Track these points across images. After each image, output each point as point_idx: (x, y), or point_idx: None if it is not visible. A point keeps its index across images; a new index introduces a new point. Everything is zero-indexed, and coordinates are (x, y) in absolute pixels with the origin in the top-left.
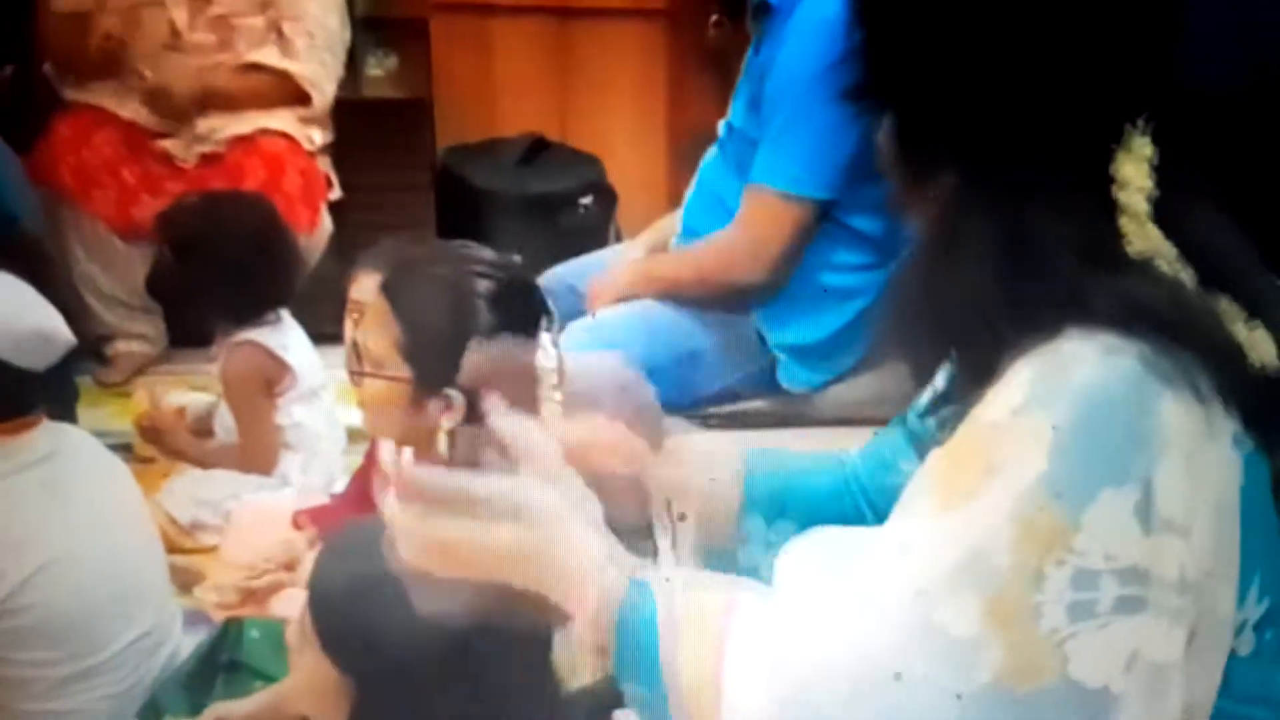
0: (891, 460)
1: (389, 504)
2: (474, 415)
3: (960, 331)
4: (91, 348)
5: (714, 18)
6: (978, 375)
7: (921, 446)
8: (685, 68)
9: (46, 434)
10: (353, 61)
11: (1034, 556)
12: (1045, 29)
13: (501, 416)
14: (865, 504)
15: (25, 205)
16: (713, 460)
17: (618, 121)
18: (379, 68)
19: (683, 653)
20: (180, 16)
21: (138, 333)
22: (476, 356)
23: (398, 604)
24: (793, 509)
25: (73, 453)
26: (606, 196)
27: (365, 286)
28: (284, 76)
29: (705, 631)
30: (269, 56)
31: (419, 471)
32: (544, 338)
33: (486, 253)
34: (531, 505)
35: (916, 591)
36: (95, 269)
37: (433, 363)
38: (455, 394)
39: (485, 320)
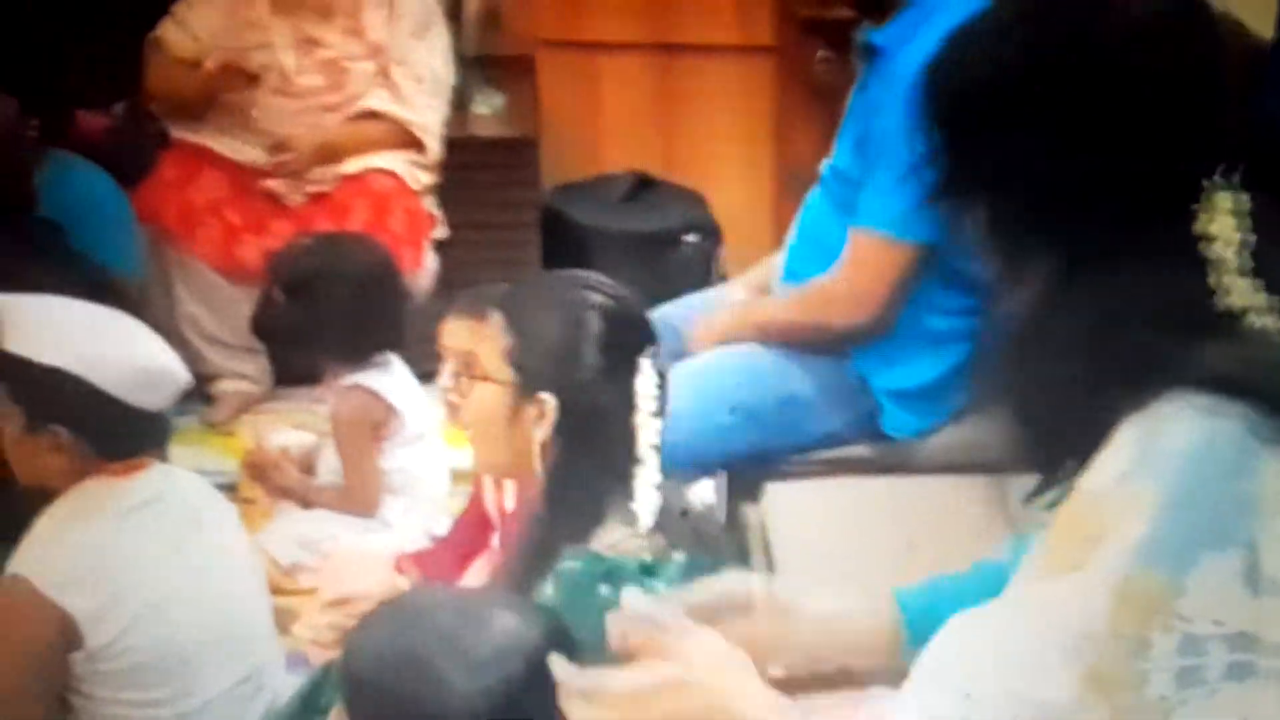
0: None
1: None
2: (570, 430)
3: (1062, 402)
4: (195, 387)
5: (821, 54)
6: (1082, 444)
7: None
8: (792, 105)
9: (155, 476)
10: (460, 100)
11: (1137, 623)
12: (1116, 110)
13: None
14: None
15: (130, 249)
16: (857, 626)
17: (723, 158)
18: (486, 106)
19: None
20: (290, 60)
21: (241, 372)
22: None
23: (429, 681)
24: None
25: (181, 496)
26: (711, 234)
27: (453, 331)
28: (398, 124)
29: None
30: (382, 102)
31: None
32: (644, 362)
33: (602, 277)
34: (699, 667)
35: (1018, 659)
36: (199, 309)
37: (535, 365)
38: (549, 399)
39: (594, 330)
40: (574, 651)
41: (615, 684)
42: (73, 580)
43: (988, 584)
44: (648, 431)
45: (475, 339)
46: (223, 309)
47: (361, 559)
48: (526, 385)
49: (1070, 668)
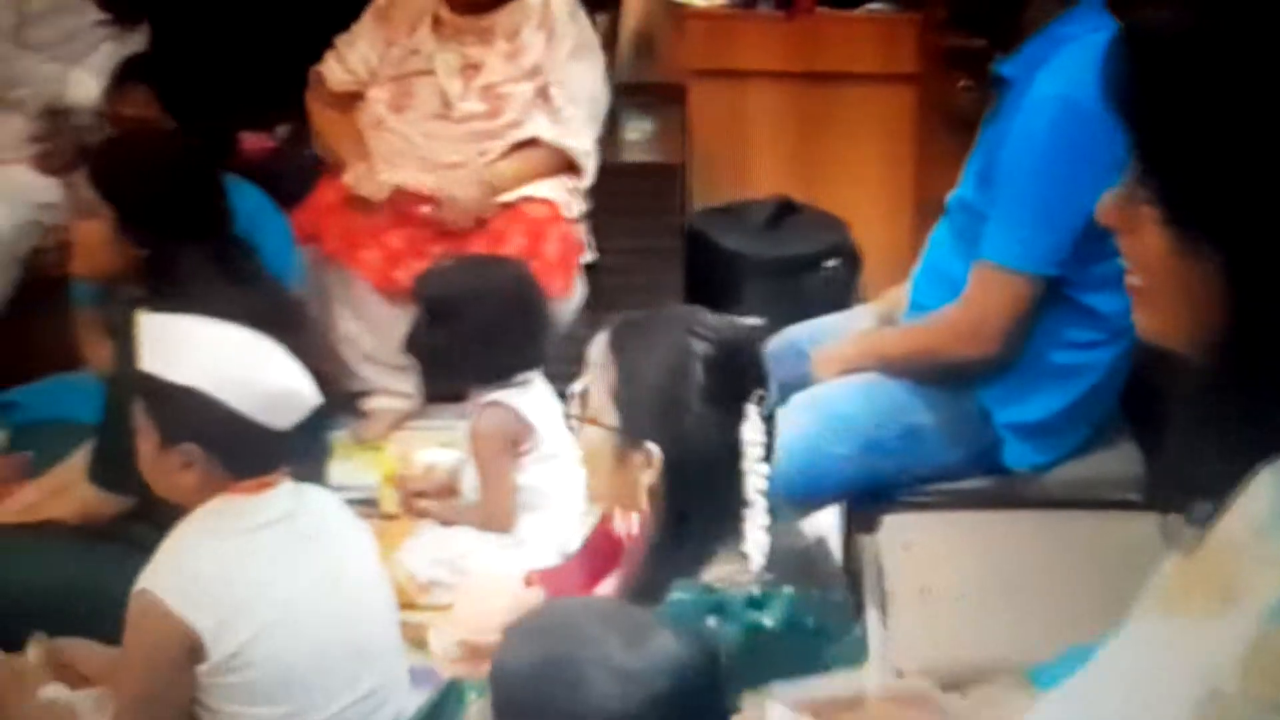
0: None
1: None
2: (676, 476)
3: (1200, 441)
4: (350, 403)
5: (962, 84)
6: (1217, 485)
7: None
8: (933, 134)
9: (287, 494)
10: (612, 126)
11: (1269, 686)
12: None
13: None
14: None
15: (290, 268)
16: None
17: (865, 185)
18: (636, 131)
19: None
20: (453, 86)
21: (395, 390)
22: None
23: (578, 689)
24: None
25: (311, 514)
26: (851, 260)
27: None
28: (557, 151)
29: None
30: (541, 129)
31: None
32: (752, 409)
33: (715, 319)
34: None
35: (1142, 706)
36: (356, 327)
37: (639, 414)
38: (654, 449)
39: (698, 382)
40: (721, 677)
41: None
42: (197, 596)
43: None
44: (755, 477)
45: (590, 374)
46: (380, 328)
47: (496, 576)
48: (631, 433)
49: None
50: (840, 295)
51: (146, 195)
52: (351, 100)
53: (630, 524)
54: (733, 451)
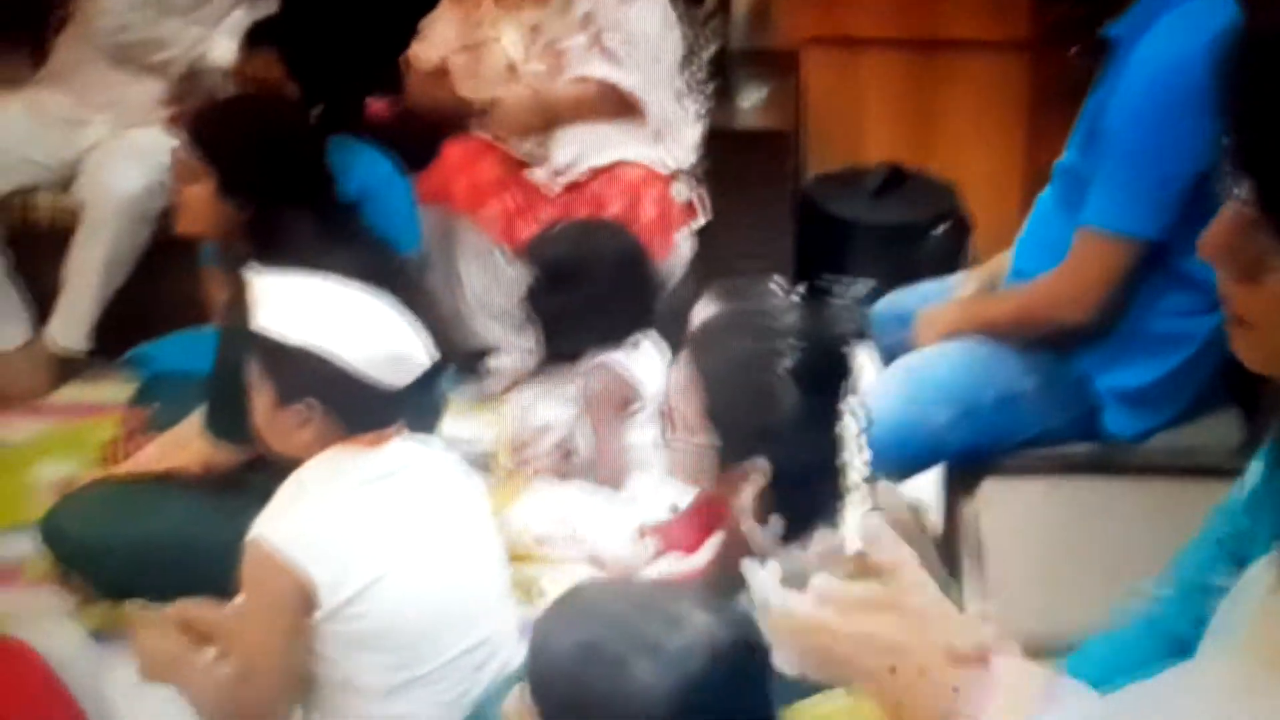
0: (1203, 581)
1: (774, 608)
2: (778, 485)
3: None
4: (474, 361)
5: (1074, 50)
6: None
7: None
8: (1047, 99)
9: (401, 448)
10: (726, 93)
11: None
12: None
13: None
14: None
15: (413, 228)
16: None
17: (976, 152)
18: (751, 99)
19: None
20: (516, 49)
21: (518, 347)
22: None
23: (619, 673)
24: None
25: (425, 468)
26: (961, 227)
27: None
28: (609, 86)
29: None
30: (593, 69)
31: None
32: (846, 404)
33: (793, 318)
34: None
35: None
36: (482, 285)
37: (737, 435)
38: (759, 463)
39: (785, 395)
40: (764, 659)
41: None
42: (310, 545)
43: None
44: (855, 468)
45: (676, 384)
46: (503, 286)
47: (608, 531)
48: (729, 451)
49: None
50: (949, 262)
51: (245, 159)
52: (442, 77)
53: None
54: (832, 448)
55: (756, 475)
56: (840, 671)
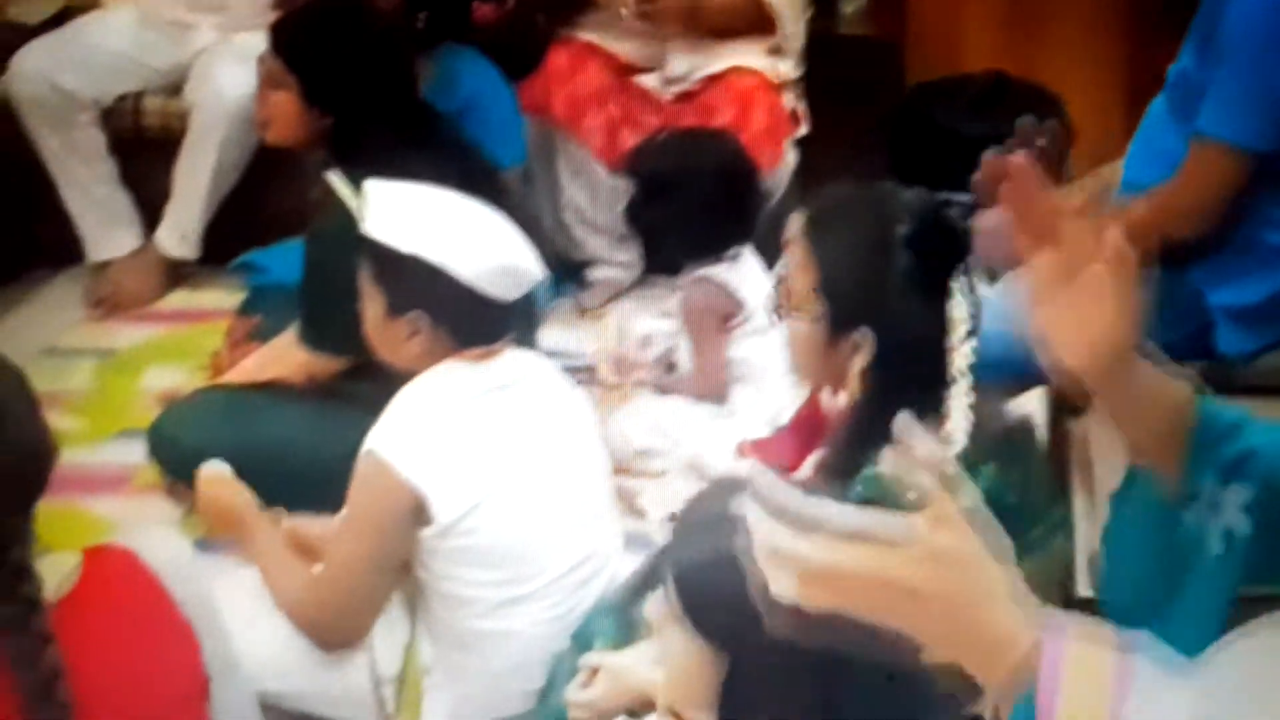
0: None
1: (754, 518)
2: (882, 359)
3: None
4: (573, 272)
5: None
6: None
7: None
8: (1152, 8)
9: (510, 362)
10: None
11: None
12: None
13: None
14: None
15: (516, 139)
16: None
17: (1081, 61)
18: (853, 5)
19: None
20: None
21: (618, 260)
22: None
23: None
24: (1251, 475)
25: (532, 382)
26: (1063, 137)
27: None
28: (755, 4)
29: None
30: None
31: (814, 504)
32: (956, 285)
33: (912, 196)
34: (951, 552)
35: None
36: (581, 196)
37: (846, 303)
38: (866, 334)
39: (900, 265)
40: None
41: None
42: (424, 459)
43: None
44: (962, 354)
45: (790, 262)
46: (603, 198)
47: (708, 444)
48: (838, 321)
49: None
50: (1051, 175)
51: (327, 67)
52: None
53: (838, 400)
54: (939, 329)
55: (864, 347)
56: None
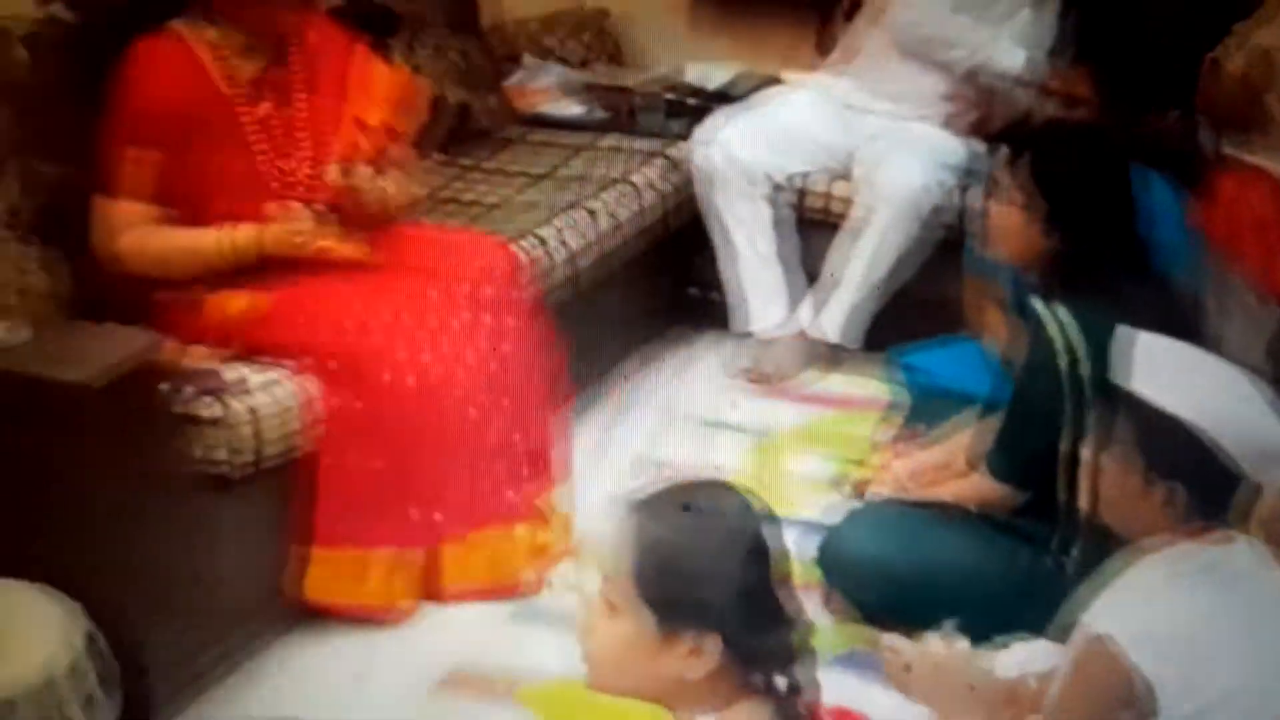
0: None
1: None
2: None
3: None
4: None
5: None
6: None
7: None
8: None
9: (1243, 547)
10: None
11: None
12: None
13: None
14: None
15: (1185, 258)
16: None
17: None
18: None
19: None
20: None
21: None
22: None
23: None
24: None
25: (1254, 569)
26: None
27: None
28: None
29: None
30: None
31: None
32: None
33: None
34: None
35: None
36: (1229, 328)
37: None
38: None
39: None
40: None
41: None
42: (1162, 647)
43: None
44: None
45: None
46: (1253, 329)
47: None
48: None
49: None
50: None
51: (1082, 191)
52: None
53: None
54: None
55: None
56: None
